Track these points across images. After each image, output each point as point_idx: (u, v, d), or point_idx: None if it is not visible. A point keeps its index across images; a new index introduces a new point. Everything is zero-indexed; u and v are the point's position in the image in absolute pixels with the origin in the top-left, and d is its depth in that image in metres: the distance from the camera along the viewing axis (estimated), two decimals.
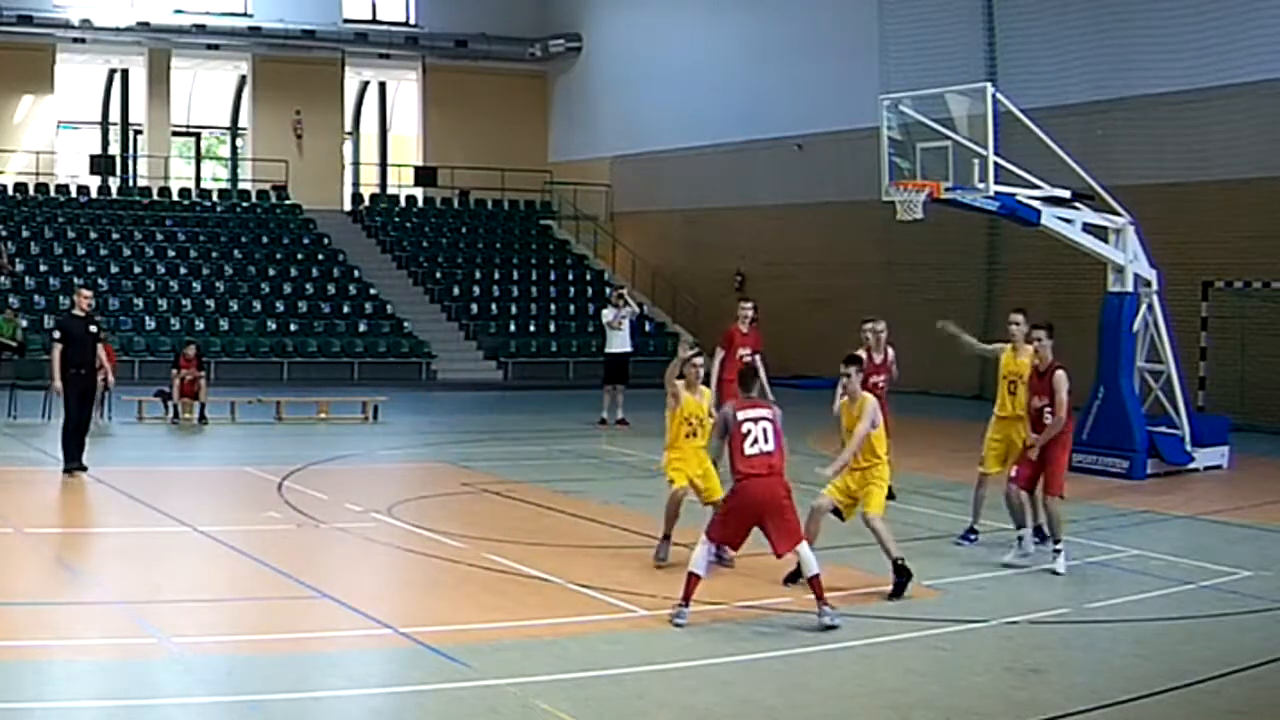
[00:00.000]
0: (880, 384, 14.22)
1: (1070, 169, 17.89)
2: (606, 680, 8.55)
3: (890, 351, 14.79)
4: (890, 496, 13.77)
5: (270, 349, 31.64)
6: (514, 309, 35.77)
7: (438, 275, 36.67)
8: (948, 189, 17.35)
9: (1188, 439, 18.40)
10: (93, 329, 16.65)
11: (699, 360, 12.21)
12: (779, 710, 8.17)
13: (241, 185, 39.83)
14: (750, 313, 17.37)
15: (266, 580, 11.24)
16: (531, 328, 35.09)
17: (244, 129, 40.61)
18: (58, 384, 16.01)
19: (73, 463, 15.88)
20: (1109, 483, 17.27)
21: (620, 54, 39.03)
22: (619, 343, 23.80)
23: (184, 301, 32.68)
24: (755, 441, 10.20)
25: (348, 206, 40.20)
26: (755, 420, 10.30)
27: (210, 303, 32.90)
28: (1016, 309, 13.81)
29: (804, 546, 10.11)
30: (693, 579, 9.94)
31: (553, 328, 35.30)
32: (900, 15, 29.68)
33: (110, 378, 20.78)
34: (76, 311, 16.42)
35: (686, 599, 9.92)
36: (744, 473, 10.13)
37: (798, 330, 30.22)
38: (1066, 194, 18.04)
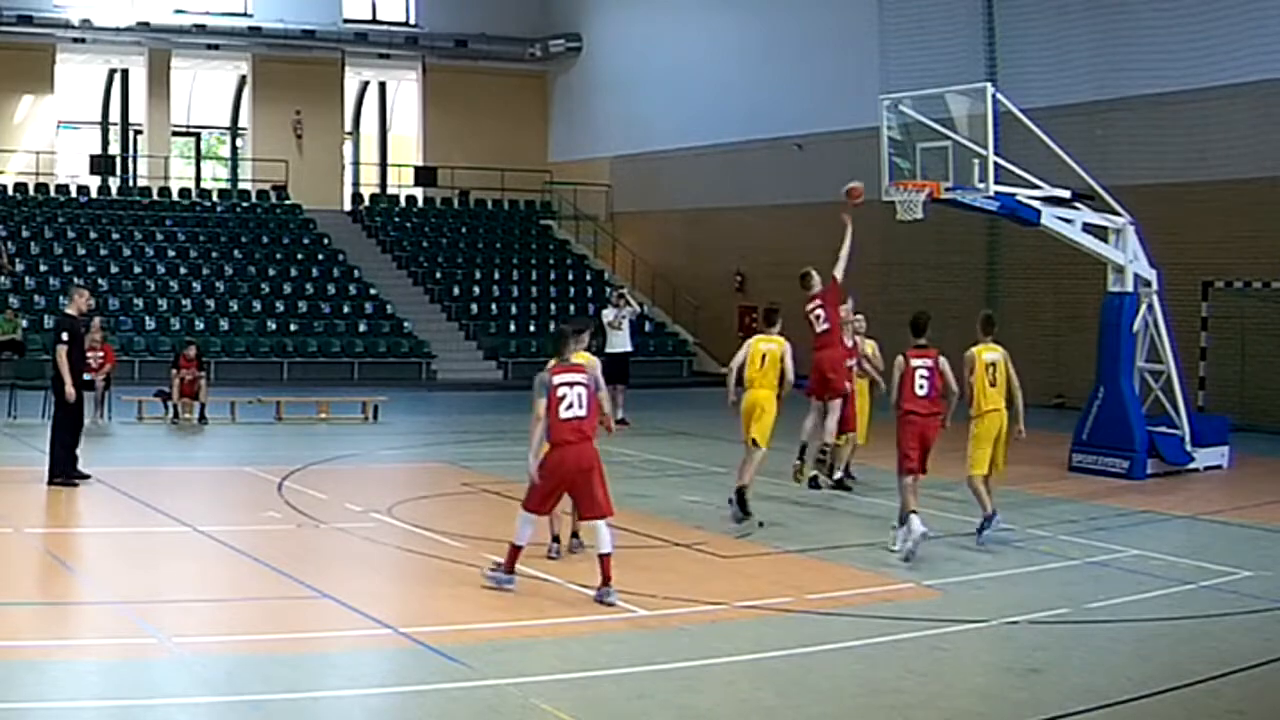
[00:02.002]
0: (852, 367, 16.10)
1: (1070, 169, 17.89)
2: (606, 680, 8.56)
3: (864, 344, 15.97)
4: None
5: (270, 349, 31.64)
6: (514, 309, 35.76)
7: (438, 275, 36.66)
8: (948, 189, 17.36)
9: (1188, 439, 18.40)
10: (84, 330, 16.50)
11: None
12: (779, 710, 8.17)
13: (241, 185, 39.82)
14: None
15: (266, 580, 11.25)
16: (531, 328, 35.09)
17: (244, 129, 40.61)
18: (71, 389, 15.37)
19: (74, 470, 15.52)
20: (1109, 483, 17.28)
21: (620, 54, 39.03)
22: (619, 343, 23.78)
23: (184, 301, 32.68)
24: (570, 406, 10.51)
25: (348, 206, 40.20)
26: (570, 385, 10.64)
27: (210, 303, 32.89)
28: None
29: (603, 523, 10.43)
30: (514, 550, 10.52)
31: (553, 328, 35.25)
32: (900, 15, 29.66)
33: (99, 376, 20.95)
34: (72, 311, 16.07)
35: (509, 567, 10.50)
36: (559, 439, 10.47)
37: (798, 330, 30.15)
38: (1066, 194, 18.04)
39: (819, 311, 15.58)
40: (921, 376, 12.98)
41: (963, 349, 14.18)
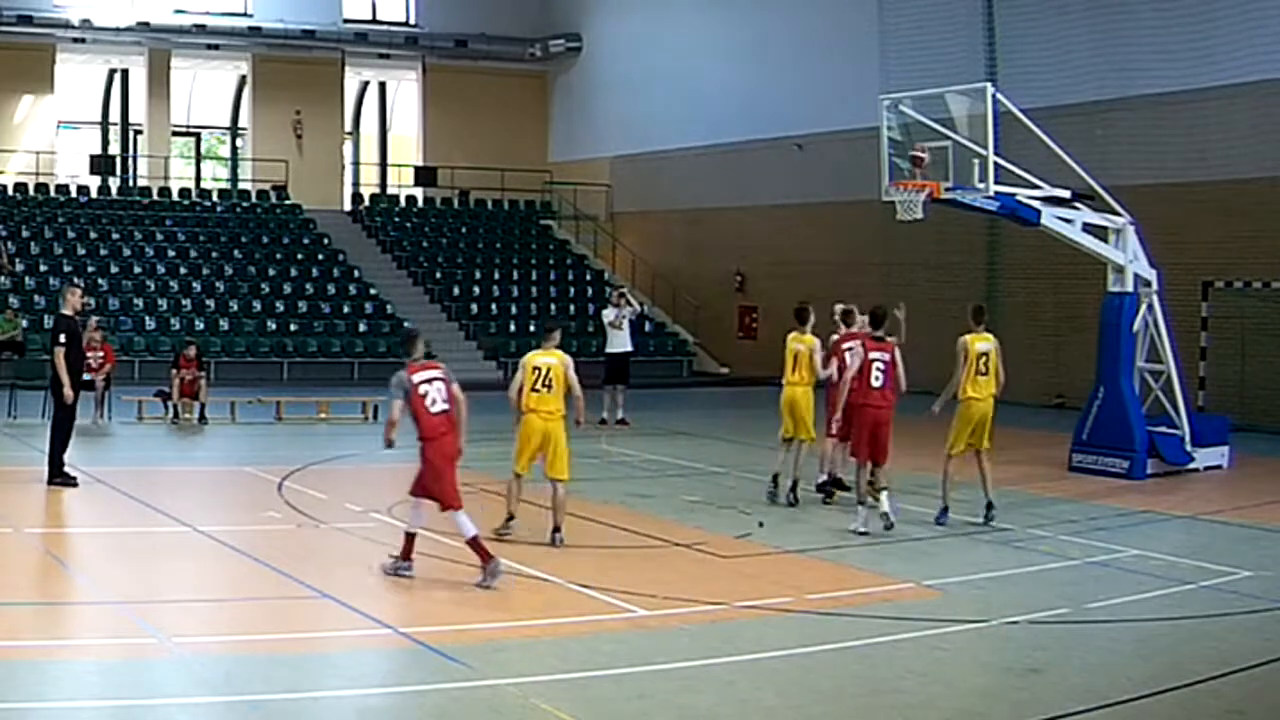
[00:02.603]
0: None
1: (1070, 169, 17.89)
2: (606, 680, 8.56)
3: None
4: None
5: (270, 349, 31.63)
6: (514, 309, 35.75)
7: (438, 275, 36.65)
8: (948, 189, 17.35)
9: (1188, 439, 18.40)
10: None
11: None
12: (779, 710, 8.17)
13: (241, 185, 39.82)
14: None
15: (266, 580, 11.25)
16: (531, 328, 34.98)
17: (244, 129, 40.60)
18: (69, 390, 15.28)
19: (68, 470, 15.47)
20: (1109, 483, 17.28)
21: (620, 54, 39.03)
22: (620, 343, 23.77)
23: (184, 301, 32.67)
24: (434, 401, 10.95)
25: (348, 206, 40.19)
26: (429, 381, 11.02)
27: (210, 303, 32.88)
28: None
29: (461, 513, 10.93)
30: (409, 537, 10.96)
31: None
32: (900, 15, 29.67)
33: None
34: (67, 310, 15.87)
35: (406, 555, 10.98)
36: (433, 433, 10.88)
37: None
38: (1066, 194, 18.04)
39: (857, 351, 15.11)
40: (878, 369, 13.74)
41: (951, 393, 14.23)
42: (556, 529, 12.66)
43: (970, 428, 13.96)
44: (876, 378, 13.74)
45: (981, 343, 13.98)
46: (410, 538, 11.09)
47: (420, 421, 10.97)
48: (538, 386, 12.67)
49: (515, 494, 13.05)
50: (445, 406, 11.02)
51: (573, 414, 12.93)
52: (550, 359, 12.75)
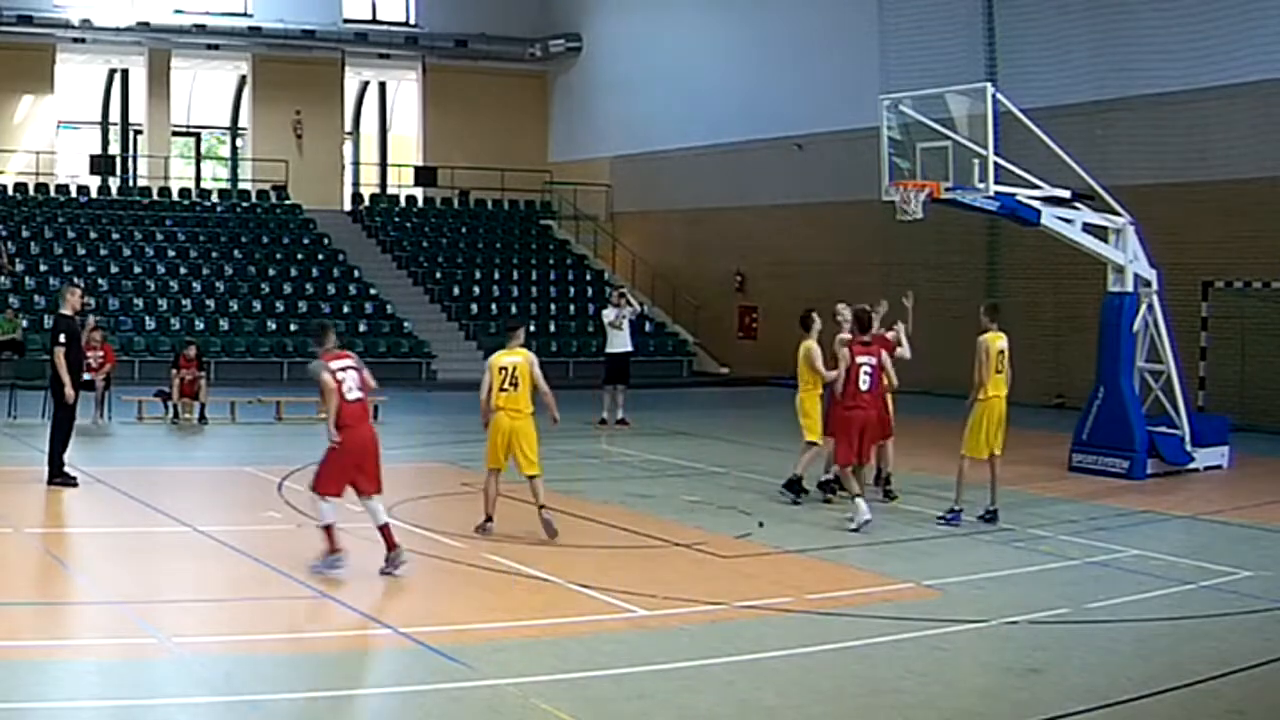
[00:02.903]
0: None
1: (1070, 169, 17.89)
2: (606, 680, 8.55)
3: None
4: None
5: (270, 349, 31.62)
6: (514, 309, 35.66)
7: (438, 275, 36.66)
8: (948, 189, 17.35)
9: (1188, 439, 18.40)
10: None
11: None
12: (779, 710, 8.17)
13: (241, 185, 39.82)
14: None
15: (266, 580, 11.24)
16: (531, 328, 34.97)
17: (244, 129, 40.61)
18: (70, 390, 15.25)
19: (68, 470, 15.46)
20: (1109, 483, 17.28)
21: (620, 54, 39.03)
22: (620, 343, 23.75)
23: (184, 301, 32.67)
24: (350, 389, 11.08)
25: (348, 206, 40.19)
26: (345, 369, 11.16)
27: (210, 303, 32.88)
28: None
29: (377, 499, 11.13)
30: (329, 529, 11.02)
31: (553, 328, 35.29)
32: (900, 15, 29.67)
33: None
34: (67, 310, 15.83)
35: (333, 549, 11.03)
36: (348, 421, 11.03)
37: (798, 330, 30.15)
38: (1066, 194, 18.04)
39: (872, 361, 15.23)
40: (865, 372, 14.13)
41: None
42: (542, 506, 12.95)
43: (992, 427, 14.00)
44: (864, 381, 14.12)
45: (1001, 341, 14.12)
46: (329, 529, 11.17)
47: (338, 410, 11.10)
48: (505, 386, 12.85)
49: (493, 493, 13.18)
50: (360, 395, 11.18)
51: (543, 412, 13.10)
52: (515, 358, 12.96)
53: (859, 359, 14.15)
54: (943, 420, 23.25)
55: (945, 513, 14.10)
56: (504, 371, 12.86)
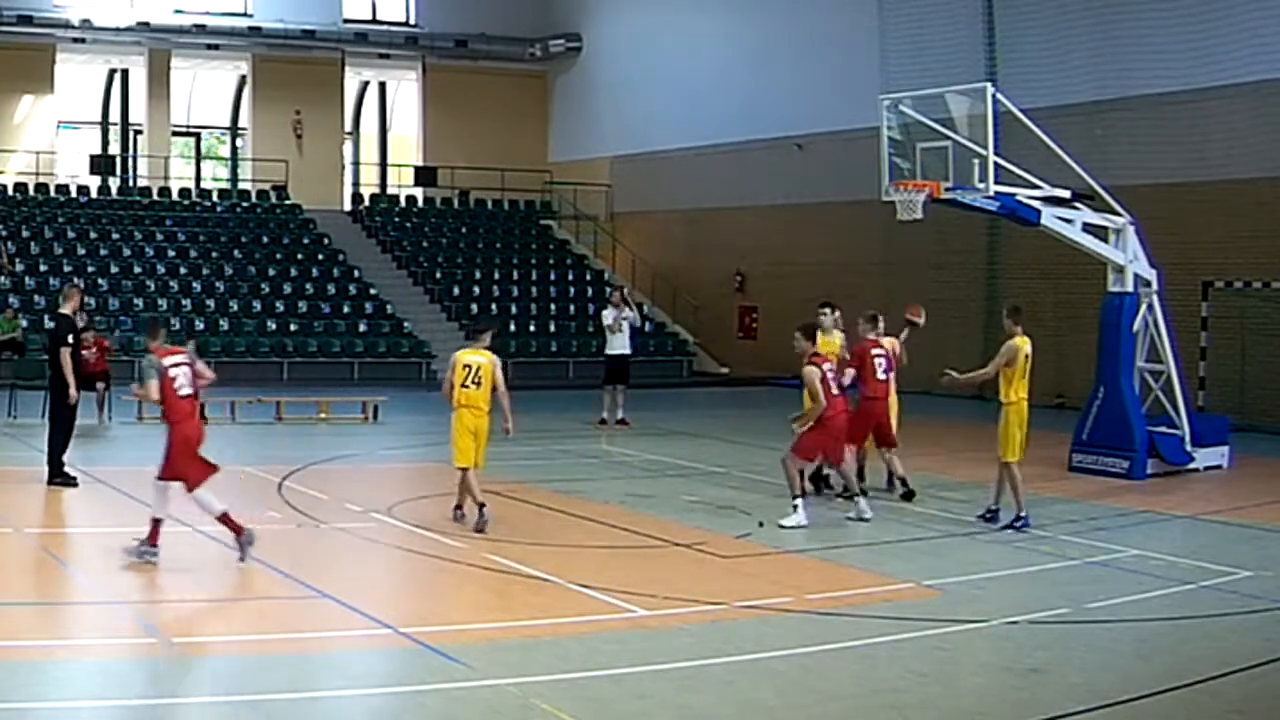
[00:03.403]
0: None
1: (1070, 169, 17.89)
2: (606, 680, 8.55)
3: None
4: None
5: (270, 349, 31.63)
6: (514, 309, 35.74)
7: (438, 275, 36.66)
8: (948, 189, 17.35)
9: (1188, 439, 18.40)
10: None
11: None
12: (779, 710, 8.17)
13: (241, 185, 39.82)
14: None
15: (266, 580, 11.24)
16: (531, 328, 35.08)
17: (244, 129, 40.61)
18: (75, 392, 15.24)
19: (68, 470, 15.46)
20: (1109, 483, 17.28)
21: (620, 54, 39.04)
22: (619, 344, 23.72)
23: (184, 301, 32.66)
24: (182, 385, 11.35)
25: (348, 206, 40.19)
26: (178, 365, 11.43)
27: (210, 303, 32.88)
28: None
29: (204, 489, 11.33)
30: (156, 522, 11.23)
31: (553, 328, 35.30)
32: (900, 15, 29.69)
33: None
34: (68, 310, 15.83)
35: (153, 540, 11.21)
36: (181, 416, 11.33)
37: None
38: (1066, 194, 18.04)
39: (882, 359, 15.55)
40: (879, 361, 15.12)
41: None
42: (458, 506, 13.36)
43: (1024, 430, 14.07)
44: (879, 371, 15.14)
45: (1027, 344, 14.19)
46: (157, 523, 11.32)
47: (170, 405, 11.38)
48: (467, 383, 13.05)
49: (475, 488, 13.27)
50: (190, 390, 11.46)
51: (498, 413, 13.22)
52: (480, 358, 13.12)
53: (872, 352, 15.20)
54: (943, 420, 23.32)
55: (1014, 519, 13.83)
56: (468, 369, 13.09)
